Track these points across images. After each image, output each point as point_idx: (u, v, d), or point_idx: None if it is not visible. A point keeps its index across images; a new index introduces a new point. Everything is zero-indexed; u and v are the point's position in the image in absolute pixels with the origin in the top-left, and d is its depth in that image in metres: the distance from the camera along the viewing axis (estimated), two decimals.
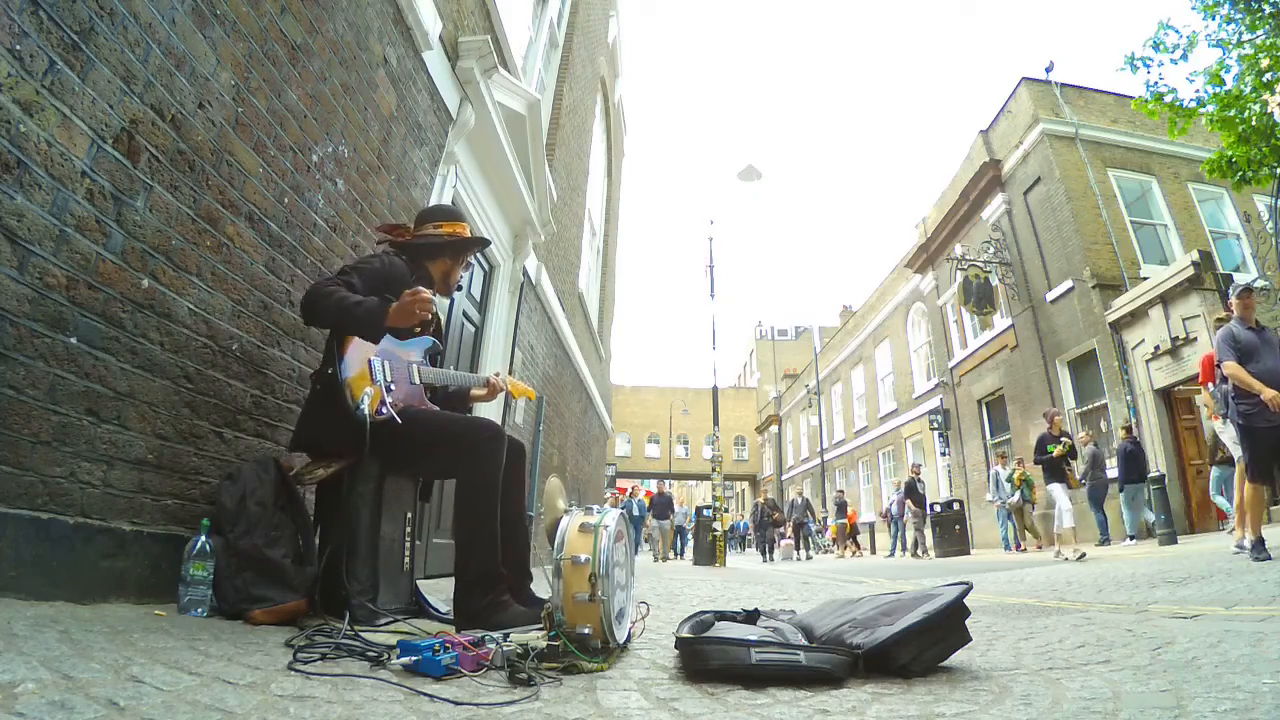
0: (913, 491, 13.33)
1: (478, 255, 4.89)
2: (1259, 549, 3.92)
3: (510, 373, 5.31)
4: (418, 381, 2.10)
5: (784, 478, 32.42)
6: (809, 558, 15.33)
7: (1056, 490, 7.27)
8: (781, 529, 16.56)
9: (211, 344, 1.92)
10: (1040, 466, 7.67)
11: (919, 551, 12.57)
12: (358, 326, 1.89)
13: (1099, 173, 11.72)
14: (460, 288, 2.51)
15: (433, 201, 3.62)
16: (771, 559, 14.88)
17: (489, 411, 4.96)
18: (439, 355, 2.27)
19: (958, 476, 15.47)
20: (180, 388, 1.80)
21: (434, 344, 2.21)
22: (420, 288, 1.93)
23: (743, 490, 40.42)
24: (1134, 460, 8.91)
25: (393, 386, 1.97)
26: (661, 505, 15.95)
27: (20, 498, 1.36)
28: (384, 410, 1.89)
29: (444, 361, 4.21)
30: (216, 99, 1.89)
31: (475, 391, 2.34)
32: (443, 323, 2.44)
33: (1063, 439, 7.51)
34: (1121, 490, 9.07)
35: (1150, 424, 9.79)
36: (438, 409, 2.17)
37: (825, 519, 18.69)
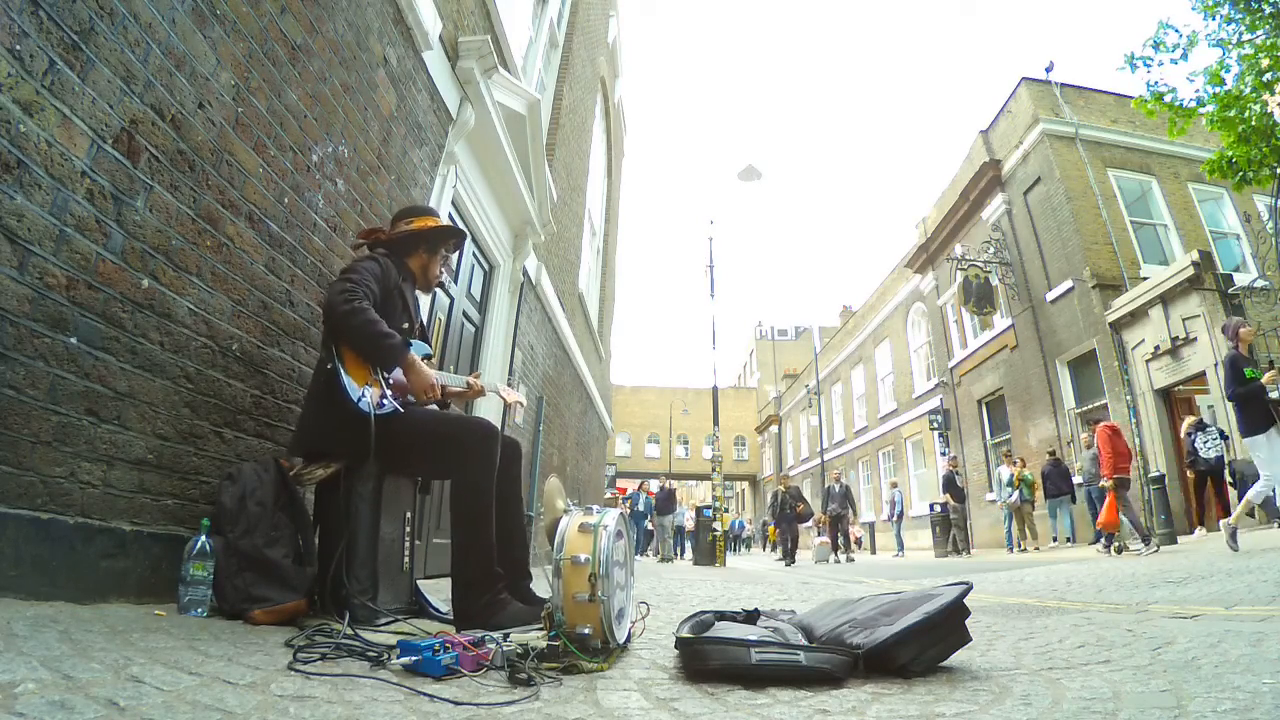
0: (951, 485, 12.50)
1: (477, 256, 4.89)
2: None
3: (511, 372, 5.31)
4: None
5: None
6: (850, 559, 12.01)
7: (1261, 446, 4.73)
8: (810, 524, 13.65)
9: (211, 344, 1.92)
10: (1233, 404, 5.09)
11: (960, 548, 11.90)
12: (376, 357, 1.92)
13: (1099, 173, 11.72)
14: (442, 283, 2.52)
15: (432, 202, 3.63)
16: (792, 560, 11.74)
17: (488, 414, 4.96)
18: (429, 359, 2.29)
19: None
20: (180, 388, 1.80)
21: (427, 350, 2.24)
22: (436, 390, 2.04)
23: (743, 490, 40.42)
24: (1051, 479, 10.44)
25: (391, 380, 1.99)
26: (664, 501, 15.00)
27: (20, 498, 1.36)
28: (385, 404, 1.91)
29: (443, 363, 4.22)
30: (216, 99, 1.89)
31: (453, 389, 2.31)
32: (424, 320, 2.45)
33: (1273, 366, 5.07)
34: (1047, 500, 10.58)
35: (1150, 424, 9.79)
36: (434, 408, 2.18)
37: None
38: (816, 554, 12.87)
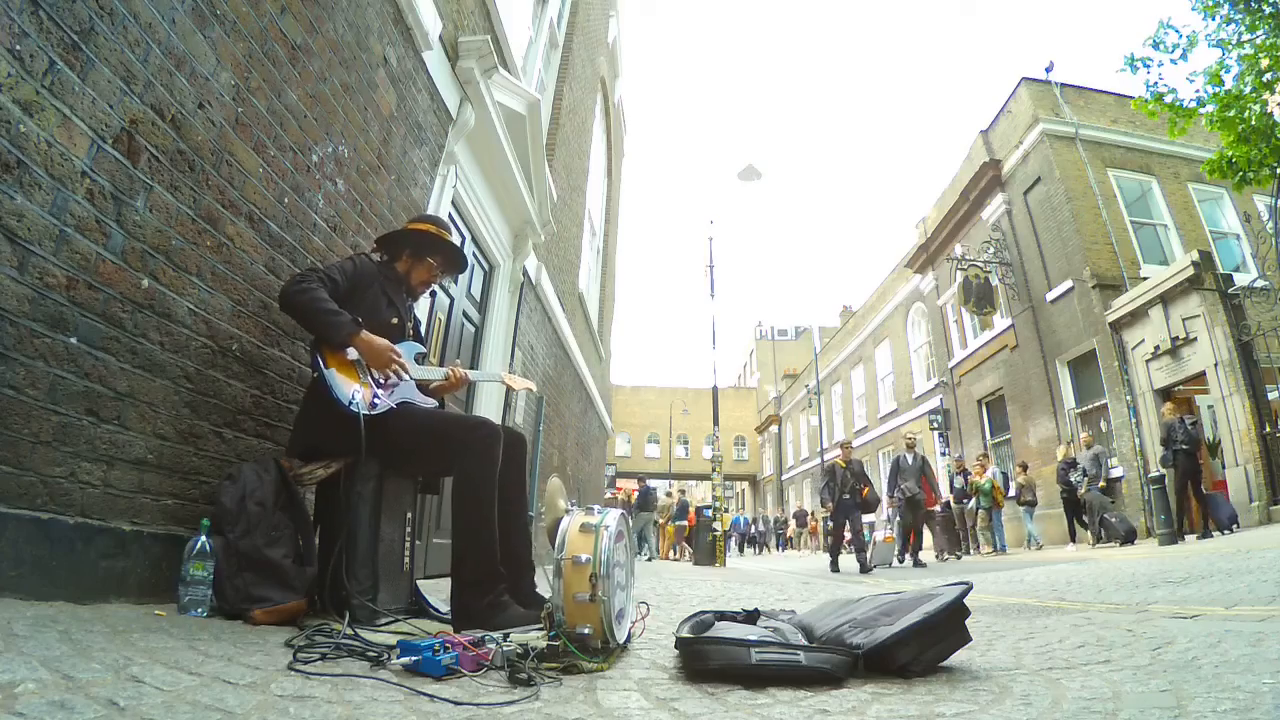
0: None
1: (477, 256, 4.89)
2: None
3: (511, 373, 5.30)
4: (410, 378, 2.12)
5: (784, 478, 32.39)
6: (918, 561, 8.74)
7: None
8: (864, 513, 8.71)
9: (211, 344, 1.92)
10: None
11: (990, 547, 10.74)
12: (319, 330, 1.94)
13: (1099, 173, 11.72)
14: (434, 293, 2.51)
15: (431, 201, 3.63)
16: (859, 567, 8.02)
17: (488, 412, 4.96)
18: (424, 357, 2.28)
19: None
20: (180, 388, 1.80)
21: (421, 350, 2.24)
22: (401, 358, 2.04)
23: (742, 490, 40.42)
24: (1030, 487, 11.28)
25: (382, 380, 1.99)
26: (642, 498, 14.46)
27: (20, 498, 1.36)
28: (378, 403, 1.91)
29: (444, 364, 4.22)
30: (216, 99, 1.89)
31: (433, 382, 2.25)
32: (416, 324, 2.44)
33: None
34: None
35: (1150, 424, 9.79)
36: (435, 405, 2.18)
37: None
38: (876, 554, 8.77)
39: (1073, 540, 9.68)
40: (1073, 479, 9.64)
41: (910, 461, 9.45)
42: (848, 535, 8.47)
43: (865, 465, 8.41)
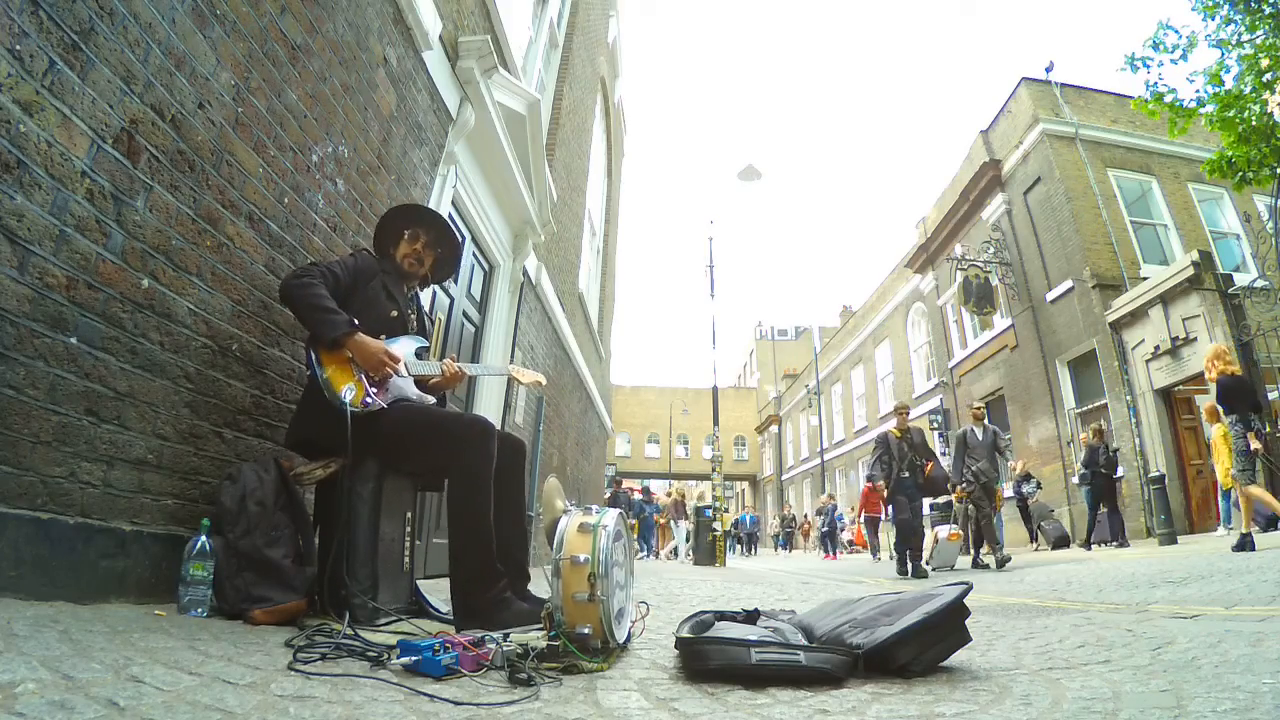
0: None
1: (477, 256, 4.89)
2: None
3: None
4: (406, 375, 2.11)
5: (784, 478, 32.39)
6: (1003, 559, 6.55)
7: None
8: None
9: (211, 344, 1.92)
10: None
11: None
12: (314, 327, 1.93)
13: (1099, 173, 11.72)
14: (428, 277, 2.48)
15: (431, 201, 3.63)
16: (910, 569, 6.28)
17: (488, 411, 4.96)
18: (426, 351, 2.28)
19: None
20: (180, 388, 1.80)
21: (423, 344, 2.23)
22: (392, 361, 2.00)
23: (742, 490, 40.42)
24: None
25: (376, 379, 1.99)
26: (613, 502, 13.71)
27: (20, 498, 1.36)
28: (369, 401, 1.91)
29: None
30: (216, 99, 1.89)
31: (428, 377, 2.23)
32: (420, 316, 2.44)
33: None
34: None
35: (1150, 424, 9.79)
36: (432, 403, 2.17)
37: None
38: (938, 554, 7.08)
39: (1033, 540, 11.05)
40: (1024, 490, 10.96)
41: (981, 437, 7.05)
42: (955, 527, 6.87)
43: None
